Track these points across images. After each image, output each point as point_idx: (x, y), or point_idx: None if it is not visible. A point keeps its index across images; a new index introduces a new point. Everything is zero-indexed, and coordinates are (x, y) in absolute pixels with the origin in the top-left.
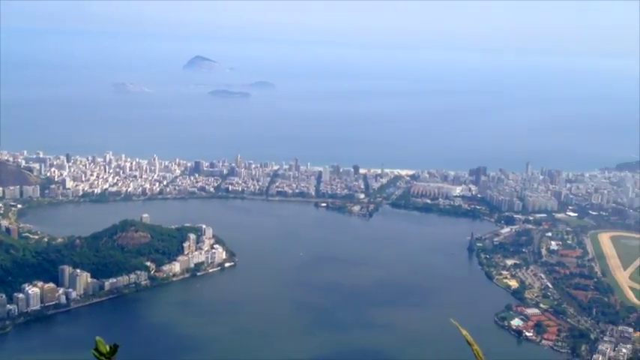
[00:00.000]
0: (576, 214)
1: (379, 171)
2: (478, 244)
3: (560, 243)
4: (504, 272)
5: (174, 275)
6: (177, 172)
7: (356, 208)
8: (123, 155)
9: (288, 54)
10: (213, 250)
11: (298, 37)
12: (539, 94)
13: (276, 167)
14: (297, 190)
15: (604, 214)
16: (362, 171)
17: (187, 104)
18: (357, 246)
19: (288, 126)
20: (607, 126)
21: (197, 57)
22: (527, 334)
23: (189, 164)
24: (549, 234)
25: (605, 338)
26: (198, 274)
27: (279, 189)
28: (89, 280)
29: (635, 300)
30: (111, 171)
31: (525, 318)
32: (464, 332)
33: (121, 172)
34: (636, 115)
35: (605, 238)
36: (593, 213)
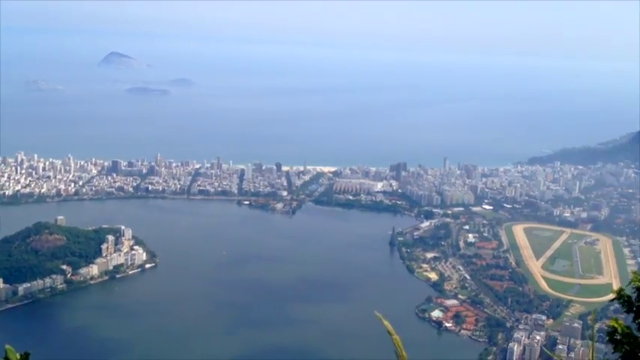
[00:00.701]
0: (492, 207)
1: (302, 168)
2: (399, 239)
3: (477, 235)
4: (424, 265)
5: (92, 278)
6: (94, 172)
7: (279, 205)
8: (35, 155)
9: (211, 51)
10: (133, 252)
11: (226, 34)
12: (461, 92)
13: (197, 166)
14: (219, 189)
15: (517, 206)
16: (285, 168)
17: (103, 102)
18: (280, 243)
19: (210, 124)
20: (522, 122)
21: (113, 53)
22: (446, 324)
23: (106, 164)
24: (467, 227)
25: (520, 326)
26: (118, 276)
27: (201, 188)
28: (1, 285)
29: (547, 289)
30: (23, 172)
31: (445, 309)
32: (385, 323)
33: (34, 172)
34: (550, 111)
35: (518, 230)
36: (508, 206)
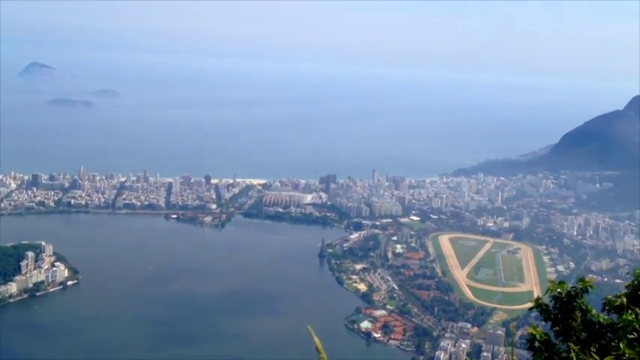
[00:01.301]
0: (419, 218)
1: (231, 181)
2: (329, 251)
3: (405, 246)
4: (354, 276)
5: (10, 296)
6: (13, 186)
7: (208, 218)
8: None
9: (140, 61)
10: (54, 269)
11: (160, 45)
12: (390, 104)
13: (123, 179)
14: (145, 203)
15: (443, 217)
16: (214, 181)
17: (23, 114)
18: (208, 257)
19: (136, 136)
20: (448, 134)
21: (34, 63)
22: (375, 335)
23: (26, 177)
24: (395, 238)
25: (447, 335)
26: (38, 294)
27: (127, 201)
28: None
29: (472, 297)
30: None
31: (374, 320)
32: (315, 339)
33: None
34: (472, 122)
35: (444, 240)
36: (434, 216)
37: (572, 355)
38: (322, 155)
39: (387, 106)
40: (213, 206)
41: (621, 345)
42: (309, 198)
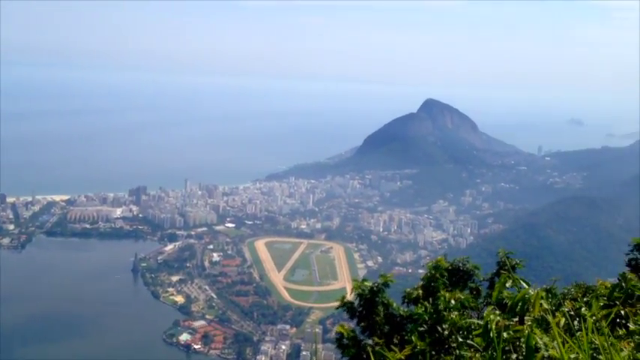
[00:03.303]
0: (234, 225)
1: (30, 198)
2: (142, 264)
3: (222, 254)
4: (170, 289)
5: None
6: None
7: (5, 240)
8: None
9: None
10: None
11: None
12: (198, 112)
13: None
14: None
15: (258, 222)
16: (10, 200)
17: None
18: (7, 281)
19: None
20: (258, 139)
21: None
22: (195, 346)
23: None
24: (211, 246)
25: (267, 338)
26: None
27: None
28: None
29: (289, 298)
30: None
31: (193, 331)
32: None
33: None
34: (283, 128)
35: (260, 245)
36: (249, 222)
37: (370, 349)
38: (131, 166)
39: (198, 115)
40: (11, 227)
41: (413, 338)
42: (118, 211)
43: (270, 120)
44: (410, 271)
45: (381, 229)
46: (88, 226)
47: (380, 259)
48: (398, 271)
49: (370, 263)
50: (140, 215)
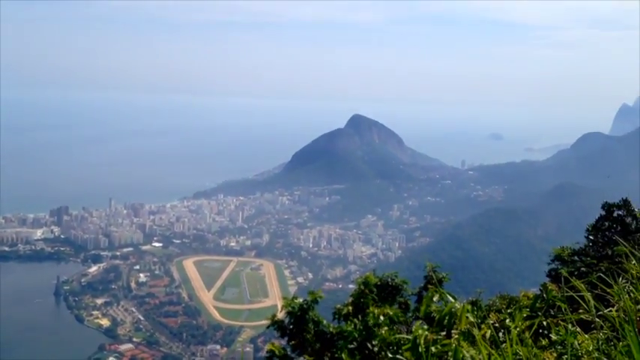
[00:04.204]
0: (162, 244)
1: None
2: (65, 287)
3: (149, 274)
4: (95, 312)
5: None
6: None
7: None
8: None
9: None
10: None
11: None
12: (121, 128)
13: None
14: None
15: (187, 241)
16: None
17: None
18: None
19: None
20: (185, 156)
21: None
22: None
23: None
24: (137, 267)
25: (197, 359)
26: None
27: None
28: None
29: (219, 318)
30: None
31: (120, 355)
32: None
33: None
34: (210, 144)
35: (189, 264)
36: (177, 241)
37: None
38: (52, 186)
39: (122, 131)
40: None
41: (343, 355)
42: (39, 233)
43: (198, 136)
44: (340, 286)
45: (311, 245)
46: (6, 248)
47: (310, 275)
48: (328, 287)
49: (301, 279)
50: (62, 236)
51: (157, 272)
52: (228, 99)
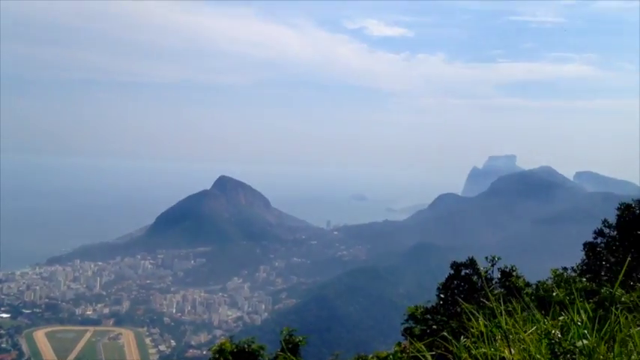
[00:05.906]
0: (9, 315)
1: None
2: None
3: None
4: None
5: None
6: None
7: None
8: None
9: None
10: None
11: None
12: None
13: None
14: None
15: (38, 310)
16: None
17: None
18: None
19: None
20: (37, 220)
21: None
22: None
23: None
24: None
25: None
26: None
27: None
28: None
29: None
30: None
31: None
32: None
33: None
34: (65, 207)
35: (40, 336)
36: (27, 311)
37: None
38: None
39: None
40: None
41: None
42: None
43: (50, 199)
44: (205, 353)
45: (175, 311)
46: None
47: (173, 343)
48: (192, 354)
49: (163, 347)
50: None
51: (3, 345)
52: (88, 160)
